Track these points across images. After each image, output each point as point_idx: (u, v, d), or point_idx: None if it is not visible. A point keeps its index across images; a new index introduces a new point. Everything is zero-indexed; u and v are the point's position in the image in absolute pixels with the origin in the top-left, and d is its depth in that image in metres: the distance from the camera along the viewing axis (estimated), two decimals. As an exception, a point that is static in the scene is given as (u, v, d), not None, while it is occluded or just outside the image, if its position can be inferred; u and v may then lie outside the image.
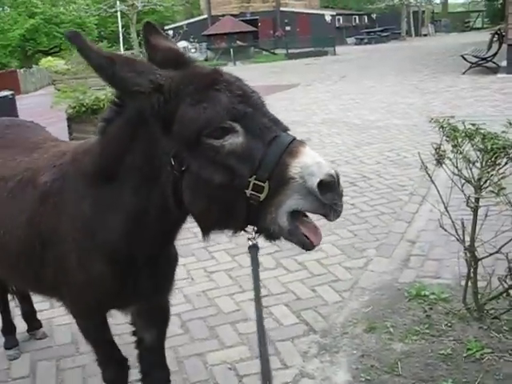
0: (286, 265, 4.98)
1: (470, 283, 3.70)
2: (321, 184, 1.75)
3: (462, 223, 3.56)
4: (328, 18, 47.30)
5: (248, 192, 1.82)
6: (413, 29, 50.75)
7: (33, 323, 4.12)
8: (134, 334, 2.86)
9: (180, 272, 4.97)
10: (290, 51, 37.54)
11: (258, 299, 1.99)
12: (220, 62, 36.73)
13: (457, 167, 3.44)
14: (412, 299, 4.12)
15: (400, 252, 5.08)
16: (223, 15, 44.48)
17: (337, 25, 47.69)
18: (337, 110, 13.67)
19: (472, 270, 3.61)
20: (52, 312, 4.44)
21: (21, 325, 4.09)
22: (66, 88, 12.15)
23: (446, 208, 3.68)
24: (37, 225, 2.46)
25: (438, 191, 3.70)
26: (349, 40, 47.23)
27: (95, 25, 43.04)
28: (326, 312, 4.15)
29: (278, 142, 1.82)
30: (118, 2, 35.24)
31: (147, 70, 1.91)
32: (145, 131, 2.01)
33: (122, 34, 34.32)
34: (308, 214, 1.91)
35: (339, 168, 7.94)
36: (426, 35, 50.84)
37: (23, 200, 2.55)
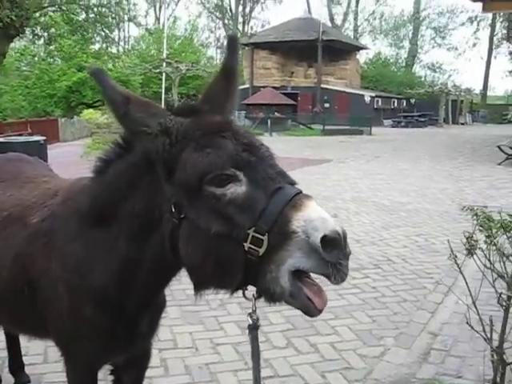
0: (297, 345, 4.68)
1: (495, 389, 3.37)
2: (324, 240, 1.59)
3: (491, 321, 3.28)
4: (367, 99, 47.87)
5: (246, 245, 1.67)
6: (450, 116, 50.95)
7: (21, 377, 3.88)
8: (112, 373, 2.68)
9: (185, 340, 4.74)
10: (326, 127, 37.86)
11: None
12: (256, 131, 37.16)
13: (489, 260, 3.19)
14: (429, 399, 3.79)
15: (420, 344, 4.74)
16: (265, 87, 45.40)
17: (375, 106, 48.14)
18: (367, 189, 13.50)
19: (499, 374, 3.28)
20: (44, 367, 4.22)
21: (8, 378, 3.86)
22: (99, 140, 12.28)
23: (473, 302, 3.41)
24: (25, 265, 2.34)
25: (466, 283, 3.43)
26: (386, 122, 47.54)
27: (139, 83, 44.22)
28: (334, 402, 3.83)
29: (281, 193, 1.70)
30: (164, 64, 36.32)
31: (159, 113, 1.87)
32: (149, 178, 1.93)
33: (164, 96, 35.18)
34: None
35: (364, 248, 7.71)
36: (463, 124, 50.92)
37: (10, 238, 2.43)
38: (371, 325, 5.17)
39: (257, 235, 1.67)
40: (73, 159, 12.93)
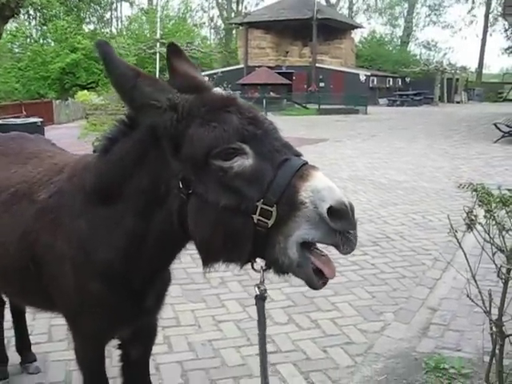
0: (298, 321, 4.74)
1: (494, 360, 3.42)
2: (332, 210, 1.62)
3: (490, 294, 3.31)
4: (362, 78, 47.66)
5: (255, 217, 1.70)
6: (446, 95, 50.80)
7: (27, 356, 3.91)
8: (120, 347, 2.73)
9: (187, 318, 4.79)
10: (321, 107, 37.75)
11: (263, 356, 1.88)
12: (252, 111, 37.03)
13: (488, 234, 3.23)
14: (430, 371, 3.85)
15: (419, 319, 4.81)
16: (259, 66, 45.13)
17: (370, 85, 47.93)
18: (364, 168, 13.54)
19: (498, 346, 3.34)
20: (49, 346, 4.27)
21: (14, 356, 3.90)
22: (96, 121, 12.23)
23: (473, 276, 3.45)
24: (31, 242, 2.36)
25: (465, 257, 3.48)
26: (381, 101, 47.40)
27: (134, 64, 43.82)
28: (336, 376, 3.89)
29: (288, 164, 1.73)
30: (157, 44, 36.02)
31: (166, 88, 1.89)
32: (155, 153, 1.95)
33: (159, 76, 34.98)
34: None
35: (362, 226, 7.75)
36: (458, 102, 50.76)
37: (17, 214, 2.46)
38: (371, 301, 5.23)
39: (265, 207, 1.69)
40: (70, 141, 12.86)
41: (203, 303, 5.14)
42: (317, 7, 48.44)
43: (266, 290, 1.91)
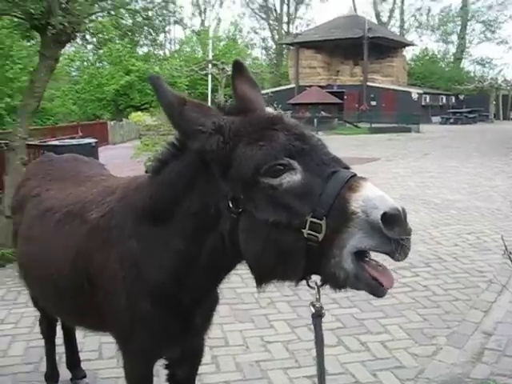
0: (347, 343, 4.67)
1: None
2: (385, 217, 1.58)
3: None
4: (414, 96, 47.12)
5: (305, 232, 1.68)
6: (501, 112, 49.73)
7: (77, 372, 3.99)
8: (167, 367, 2.74)
9: (235, 338, 4.79)
10: (373, 125, 37.52)
11: (321, 372, 1.86)
12: (302, 130, 37.04)
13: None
14: (484, 399, 3.72)
15: (473, 344, 4.66)
16: (310, 86, 45.23)
17: (423, 103, 47.38)
18: (416, 187, 13.31)
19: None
20: (99, 363, 4.33)
21: (65, 372, 3.98)
22: (148, 141, 12.46)
23: (529, 301, 3.33)
24: (85, 261, 2.42)
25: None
26: (434, 119, 46.71)
27: (186, 85, 44.65)
28: (386, 401, 3.81)
29: (336, 176, 1.71)
30: (209, 65, 36.60)
31: (212, 112, 1.93)
32: (204, 176, 1.97)
33: (211, 97, 35.45)
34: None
35: (413, 247, 7.54)
36: (514, 119, 49.67)
37: (70, 234, 2.53)
38: (422, 324, 5.10)
39: (314, 220, 1.67)
40: (123, 161, 13.18)
41: (252, 323, 5.12)
42: (368, 26, 48.45)
43: (322, 306, 1.88)
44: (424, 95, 48.25)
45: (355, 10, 63.29)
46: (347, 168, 1.80)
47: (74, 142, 9.68)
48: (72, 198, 2.71)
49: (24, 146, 8.25)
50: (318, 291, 1.85)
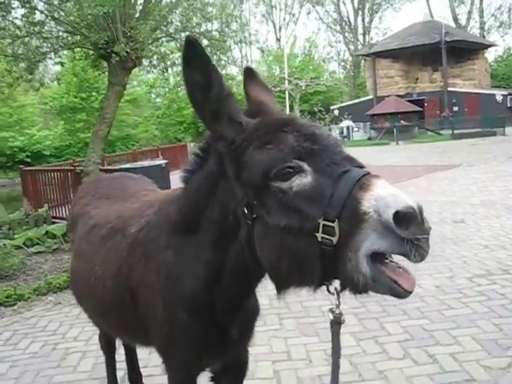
0: (414, 356, 4.47)
1: None
2: (397, 216, 1.50)
3: None
4: (499, 98, 45.36)
5: (319, 236, 1.62)
6: None
7: (138, 388, 4.05)
8: (212, 379, 2.72)
9: (299, 351, 4.72)
10: (456, 131, 36.38)
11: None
12: (382, 141, 36.60)
13: None
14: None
15: (552, 354, 4.35)
16: (388, 96, 44.56)
17: (508, 105, 45.45)
18: (498, 192, 12.70)
19: None
20: (161, 378, 4.32)
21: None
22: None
23: None
24: (126, 275, 2.47)
25: None
26: (521, 120, 44.79)
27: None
28: (452, 416, 3.60)
29: (347, 176, 1.64)
30: (286, 82, 36.87)
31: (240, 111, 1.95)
32: (223, 183, 1.97)
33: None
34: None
35: (492, 253, 7.27)
36: None
37: (113, 248, 2.60)
38: (497, 334, 4.81)
39: (327, 223, 1.61)
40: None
41: (316, 337, 5.02)
42: (445, 30, 47.18)
43: (341, 313, 1.82)
44: (509, 96, 46.27)
45: (431, 15, 61.91)
46: (361, 167, 1.72)
47: (145, 163, 9.96)
48: (116, 214, 2.78)
49: (97, 170, 8.60)
50: (338, 297, 1.79)
